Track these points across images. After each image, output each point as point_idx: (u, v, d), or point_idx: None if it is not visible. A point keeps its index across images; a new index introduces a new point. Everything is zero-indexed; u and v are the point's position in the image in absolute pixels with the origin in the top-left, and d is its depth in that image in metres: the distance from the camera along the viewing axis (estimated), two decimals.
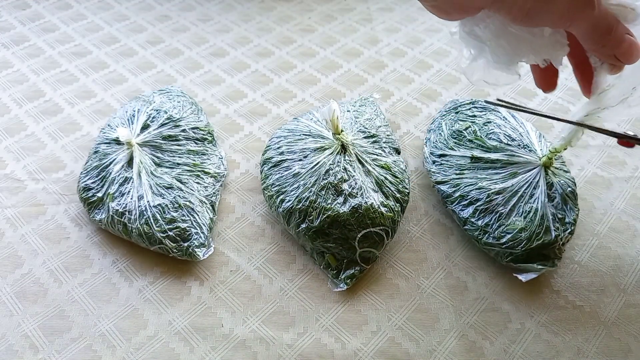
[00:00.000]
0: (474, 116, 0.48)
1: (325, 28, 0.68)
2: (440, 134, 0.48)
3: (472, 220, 0.41)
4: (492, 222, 0.41)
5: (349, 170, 0.41)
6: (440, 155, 0.46)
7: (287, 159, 0.44)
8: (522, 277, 0.39)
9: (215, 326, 0.38)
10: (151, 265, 0.42)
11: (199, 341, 0.37)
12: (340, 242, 0.40)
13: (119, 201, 0.42)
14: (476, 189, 0.42)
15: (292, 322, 0.39)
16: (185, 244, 0.40)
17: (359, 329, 0.38)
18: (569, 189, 0.42)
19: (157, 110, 0.48)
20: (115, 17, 0.69)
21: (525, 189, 0.41)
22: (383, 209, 0.41)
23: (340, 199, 0.40)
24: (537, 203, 0.41)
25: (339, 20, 0.69)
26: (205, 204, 0.44)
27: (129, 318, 0.38)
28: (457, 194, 0.42)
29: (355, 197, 0.40)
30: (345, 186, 0.41)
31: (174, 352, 0.37)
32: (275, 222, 0.45)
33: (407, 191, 0.43)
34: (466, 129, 0.47)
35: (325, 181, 0.41)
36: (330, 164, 0.42)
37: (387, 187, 0.42)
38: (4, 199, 0.46)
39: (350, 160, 0.42)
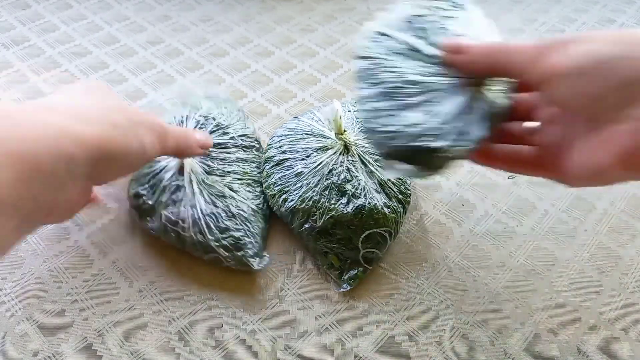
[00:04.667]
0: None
1: (325, 28, 0.68)
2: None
3: (372, 101, 0.32)
4: (392, 111, 0.31)
5: (352, 171, 0.41)
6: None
7: (289, 158, 0.44)
8: (389, 173, 0.33)
9: (215, 326, 0.38)
10: (151, 266, 0.42)
11: (199, 341, 0.37)
12: (343, 242, 0.40)
13: (172, 209, 0.41)
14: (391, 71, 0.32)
15: (292, 322, 0.39)
16: (239, 253, 0.40)
17: (359, 329, 0.38)
18: (499, 107, 0.33)
19: (205, 117, 0.46)
20: (115, 17, 0.69)
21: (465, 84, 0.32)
22: (386, 210, 0.40)
23: (344, 200, 0.40)
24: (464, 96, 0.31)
25: (339, 20, 0.69)
26: (258, 213, 0.43)
27: (129, 318, 0.38)
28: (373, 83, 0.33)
29: (359, 197, 0.40)
30: (348, 186, 0.40)
31: (174, 352, 0.37)
32: (275, 221, 0.45)
33: (409, 192, 0.43)
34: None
35: (329, 181, 0.41)
36: (333, 164, 0.41)
37: (390, 188, 0.42)
38: None
39: (353, 161, 0.42)
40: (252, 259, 0.40)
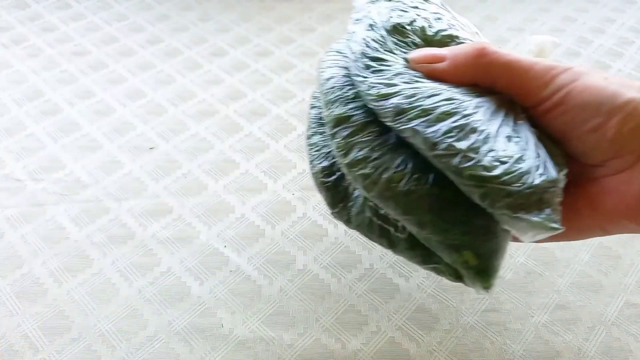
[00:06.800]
0: (416, 7, 0.32)
1: (325, 28, 0.68)
2: (371, 26, 0.30)
3: (448, 140, 0.24)
4: (477, 143, 0.24)
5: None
6: (376, 59, 0.28)
7: None
8: (525, 238, 0.25)
9: (215, 326, 0.38)
10: (151, 265, 0.42)
11: (199, 341, 0.37)
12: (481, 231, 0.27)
13: None
14: (444, 99, 0.26)
15: (292, 322, 0.39)
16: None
17: (359, 329, 0.38)
18: None
19: None
20: (115, 17, 0.69)
21: (509, 107, 0.27)
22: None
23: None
24: (526, 124, 0.27)
25: (339, 20, 0.69)
26: None
27: (129, 318, 0.38)
28: (417, 105, 0.25)
29: None
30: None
31: (174, 352, 0.37)
32: (276, 222, 0.45)
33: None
34: (411, 23, 0.30)
35: None
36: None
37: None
38: (4, 199, 0.46)
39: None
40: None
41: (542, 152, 0.26)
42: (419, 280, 0.41)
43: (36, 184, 0.48)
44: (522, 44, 0.33)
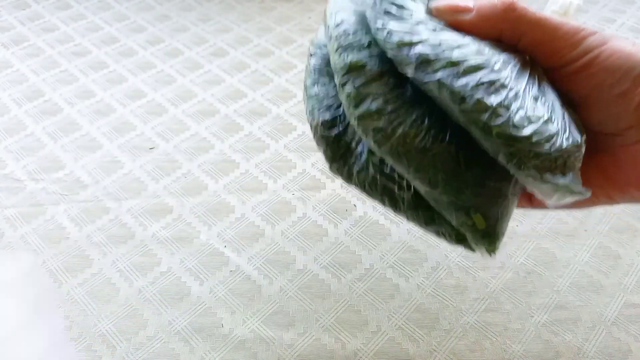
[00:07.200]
0: None
1: None
2: None
3: (478, 94, 0.23)
4: (507, 100, 0.23)
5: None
6: (396, 5, 0.26)
7: None
8: (550, 201, 0.24)
9: (215, 326, 0.38)
10: (151, 265, 0.42)
11: (199, 341, 0.37)
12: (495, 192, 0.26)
13: None
14: (473, 52, 0.24)
15: (292, 322, 0.39)
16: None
17: (359, 329, 0.38)
18: None
19: None
20: (115, 17, 0.69)
21: (532, 67, 0.26)
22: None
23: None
24: (549, 86, 0.26)
25: None
26: None
27: (129, 318, 0.38)
28: (444, 57, 0.24)
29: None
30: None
31: (174, 352, 0.37)
32: (276, 222, 0.45)
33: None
34: None
35: None
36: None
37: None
38: (4, 199, 0.46)
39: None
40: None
41: (567, 115, 0.25)
42: (419, 280, 0.41)
43: (36, 184, 0.48)
44: (547, 4, 0.32)
